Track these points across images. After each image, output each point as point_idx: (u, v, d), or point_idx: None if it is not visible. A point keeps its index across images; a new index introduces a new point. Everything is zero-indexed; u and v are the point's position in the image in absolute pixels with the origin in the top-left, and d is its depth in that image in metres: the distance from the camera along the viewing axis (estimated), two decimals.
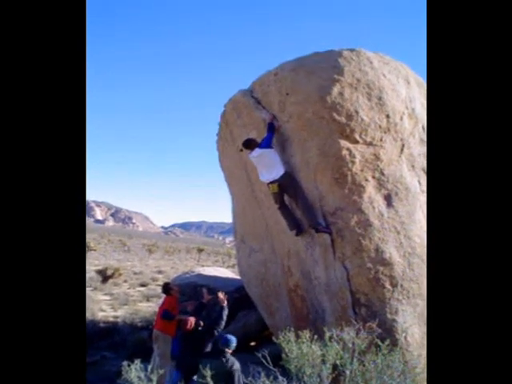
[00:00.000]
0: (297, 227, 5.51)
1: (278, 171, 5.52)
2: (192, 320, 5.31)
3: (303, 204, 5.41)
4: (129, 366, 3.55)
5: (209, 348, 5.31)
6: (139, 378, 3.47)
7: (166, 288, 7.02)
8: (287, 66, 5.98)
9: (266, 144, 5.61)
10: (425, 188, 5.55)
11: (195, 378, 5.09)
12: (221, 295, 5.42)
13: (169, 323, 6.50)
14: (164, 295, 7.10)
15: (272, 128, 5.72)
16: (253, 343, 8.62)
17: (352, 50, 5.70)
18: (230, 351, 4.71)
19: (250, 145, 5.87)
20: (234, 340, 4.77)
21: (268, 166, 5.61)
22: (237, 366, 4.51)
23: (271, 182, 5.58)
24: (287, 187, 5.58)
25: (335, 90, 5.39)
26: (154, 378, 3.47)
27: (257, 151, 5.68)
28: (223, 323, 5.28)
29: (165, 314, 6.63)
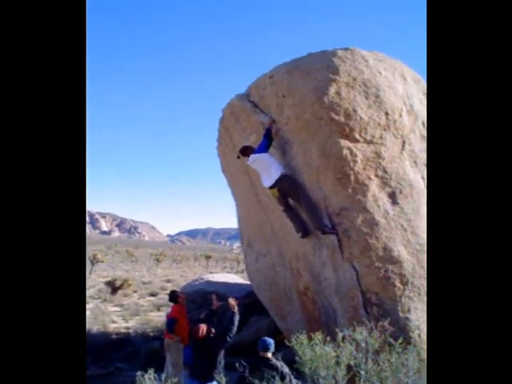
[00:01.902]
0: (303, 229, 5.50)
1: (273, 176, 5.53)
2: (204, 327, 5.29)
3: (307, 206, 5.39)
4: (143, 376, 3.56)
5: (221, 355, 5.30)
6: None
7: (173, 296, 7.03)
8: (282, 69, 6.00)
9: (260, 149, 5.65)
10: None
11: None
12: (231, 301, 5.40)
13: (170, 334, 6.52)
14: (172, 304, 7.12)
15: (268, 133, 5.74)
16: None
17: (346, 49, 5.71)
18: (271, 354, 4.62)
19: (246, 151, 5.95)
20: (272, 342, 4.66)
21: (265, 171, 5.64)
22: (286, 368, 4.42)
23: (271, 187, 5.60)
24: (288, 191, 5.57)
25: (332, 89, 5.39)
26: None
27: (252, 157, 5.73)
28: (235, 329, 5.26)
29: (167, 323, 6.65)
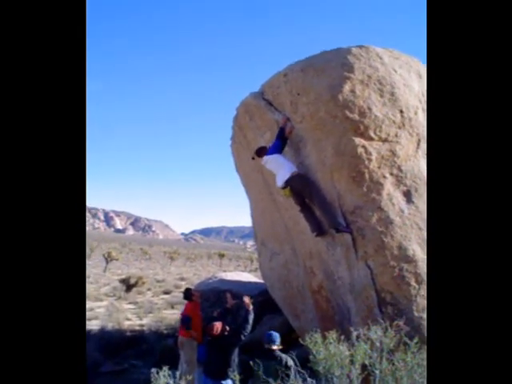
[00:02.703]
0: (318, 228, 5.47)
1: (283, 176, 5.54)
2: (218, 325, 5.33)
3: (320, 205, 5.36)
4: (157, 373, 3.59)
5: (235, 353, 5.32)
6: None
7: (188, 294, 7.08)
8: (296, 67, 5.98)
9: (272, 150, 5.70)
10: None
11: (224, 382, 5.11)
12: (246, 299, 5.42)
13: (187, 330, 6.55)
14: (186, 301, 7.18)
15: (281, 134, 5.74)
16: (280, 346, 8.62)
17: (361, 47, 5.66)
18: (277, 347, 4.71)
19: (261, 153, 6.00)
20: (277, 336, 4.75)
21: (278, 171, 5.67)
22: (291, 361, 4.47)
23: (283, 188, 5.61)
24: (301, 190, 5.55)
25: (346, 87, 5.35)
26: None
27: (265, 158, 5.79)
28: (249, 327, 5.28)
29: (183, 320, 6.69)
